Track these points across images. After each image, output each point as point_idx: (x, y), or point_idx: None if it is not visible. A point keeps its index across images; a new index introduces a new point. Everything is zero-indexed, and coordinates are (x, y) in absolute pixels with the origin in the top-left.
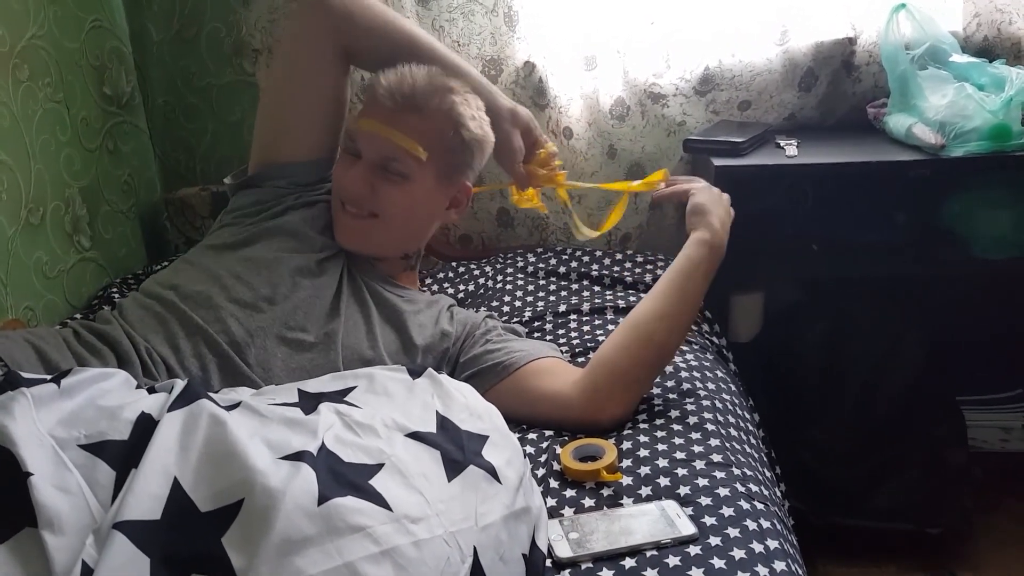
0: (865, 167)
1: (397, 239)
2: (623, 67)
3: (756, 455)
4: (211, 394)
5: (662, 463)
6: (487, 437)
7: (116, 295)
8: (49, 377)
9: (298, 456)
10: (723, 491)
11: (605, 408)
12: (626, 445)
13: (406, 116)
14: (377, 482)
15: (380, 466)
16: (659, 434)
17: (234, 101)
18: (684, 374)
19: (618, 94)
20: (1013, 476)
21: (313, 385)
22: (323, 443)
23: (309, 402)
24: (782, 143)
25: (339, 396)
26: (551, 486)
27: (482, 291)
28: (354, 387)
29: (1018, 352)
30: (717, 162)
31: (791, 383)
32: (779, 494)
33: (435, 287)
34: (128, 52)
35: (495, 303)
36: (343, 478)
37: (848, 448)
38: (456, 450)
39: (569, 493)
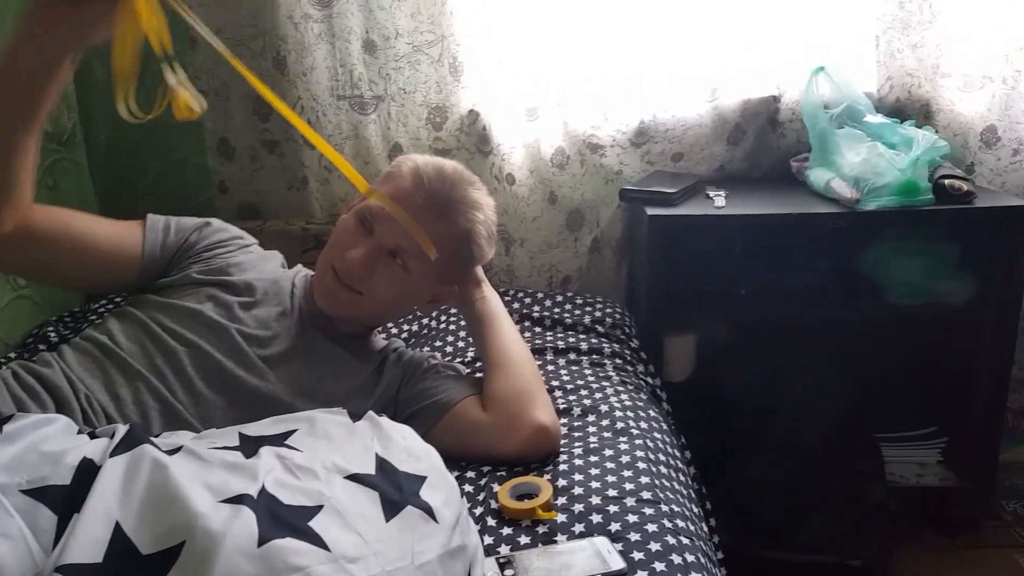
0: (788, 218)
1: (374, 317)
2: (563, 118)
3: (684, 491)
4: (152, 439)
5: (595, 500)
6: (425, 477)
7: (52, 333)
8: None
9: (239, 499)
10: (651, 527)
11: (518, 432)
12: (561, 483)
13: (433, 218)
14: (316, 523)
15: (319, 508)
16: (593, 471)
17: (178, 140)
18: (618, 413)
19: (558, 143)
20: (928, 509)
21: (254, 429)
22: (263, 486)
23: (250, 446)
24: (711, 194)
25: (279, 440)
26: (488, 524)
27: (425, 331)
28: (294, 430)
29: (932, 392)
30: (650, 211)
31: (724, 422)
32: (706, 529)
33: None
34: (71, 89)
35: (438, 343)
36: (282, 520)
37: (776, 484)
38: (394, 491)
39: (506, 531)
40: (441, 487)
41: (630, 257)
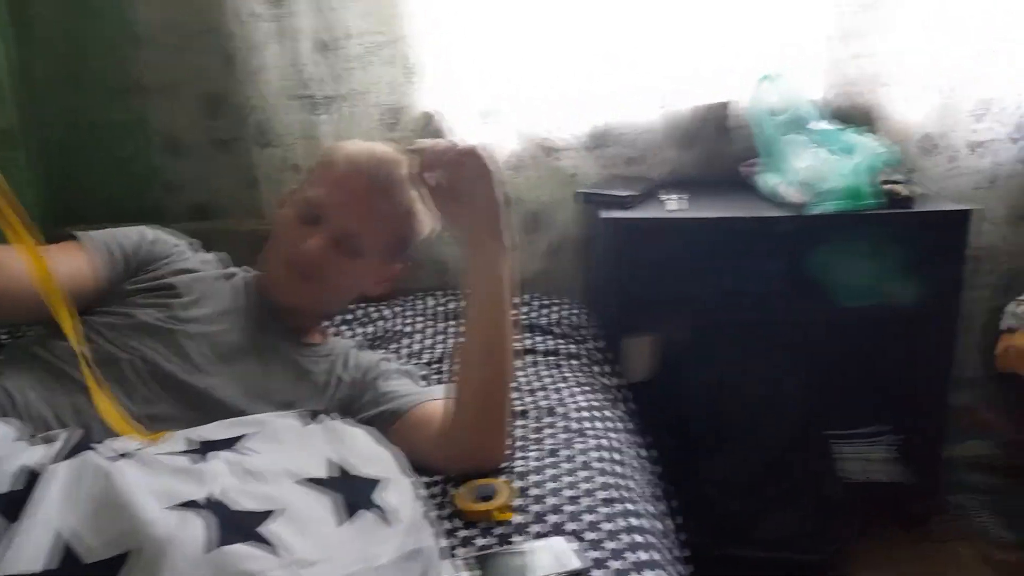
0: (739, 221)
1: (328, 304)
2: (518, 122)
3: (643, 490)
4: (96, 445)
5: (553, 501)
6: (378, 480)
7: (5, 337)
8: None
9: (187, 505)
10: (608, 525)
11: (468, 463)
12: (519, 484)
13: (377, 199)
14: (267, 528)
15: (270, 512)
16: (550, 472)
17: (124, 138)
18: (574, 415)
19: (513, 146)
20: (882, 505)
21: (203, 433)
22: (213, 492)
23: (198, 451)
24: (664, 198)
25: (229, 444)
26: (447, 526)
27: (382, 334)
28: (245, 434)
29: (883, 391)
30: (605, 214)
31: (685, 422)
32: (670, 526)
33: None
34: (10, 86)
35: (394, 345)
36: (232, 525)
37: (737, 482)
38: (349, 494)
39: (465, 533)
40: (396, 489)
41: (588, 259)
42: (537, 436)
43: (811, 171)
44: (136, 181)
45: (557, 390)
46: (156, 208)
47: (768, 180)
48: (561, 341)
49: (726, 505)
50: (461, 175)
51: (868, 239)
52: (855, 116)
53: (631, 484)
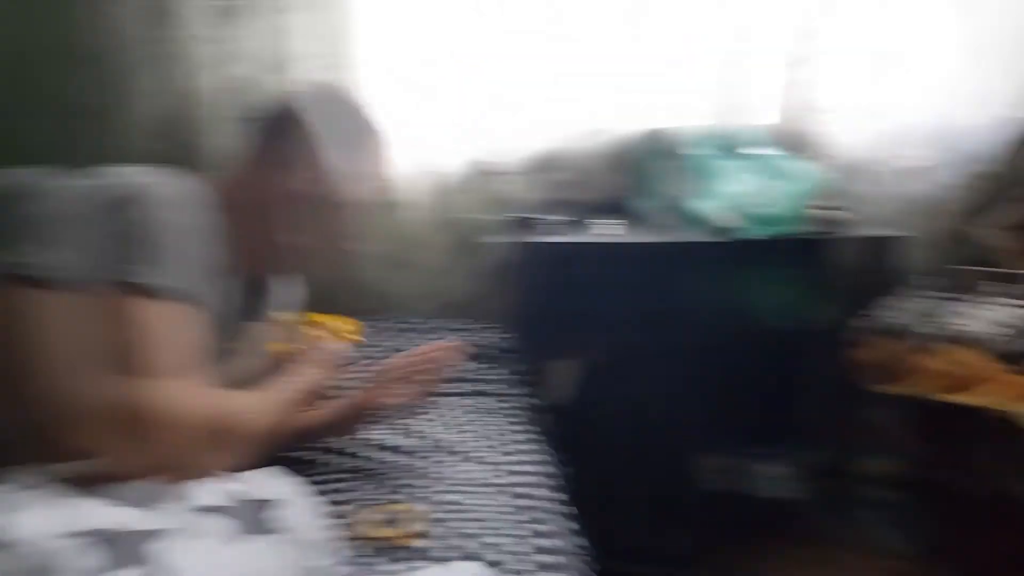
0: (668, 246)
1: None
2: (457, 143)
3: (555, 511)
4: None
5: (461, 524)
6: (273, 501)
7: None
8: None
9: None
10: (521, 547)
11: None
12: (423, 507)
13: None
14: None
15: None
16: (454, 496)
17: None
18: (480, 432)
19: (452, 168)
20: (781, 519)
21: None
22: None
23: None
24: (596, 221)
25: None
26: (353, 552)
27: None
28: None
29: (790, 407)
30: (536, 238)
31: (601, 445)
32: (578, 546)
33: None
34: None
35: None
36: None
37: (640, 500)
38: (245, 516)
39: (368, 559)
40: (294, 510)
41: (516, 282)
42: (443, 457)
43: (744, 196)
44: None
45: (471, 411)
46: None
47: (700, 205)
48: (484, 364)
49: (627, 523)
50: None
51: (796, 262)
52: (789, 141)
53: (545, 504)
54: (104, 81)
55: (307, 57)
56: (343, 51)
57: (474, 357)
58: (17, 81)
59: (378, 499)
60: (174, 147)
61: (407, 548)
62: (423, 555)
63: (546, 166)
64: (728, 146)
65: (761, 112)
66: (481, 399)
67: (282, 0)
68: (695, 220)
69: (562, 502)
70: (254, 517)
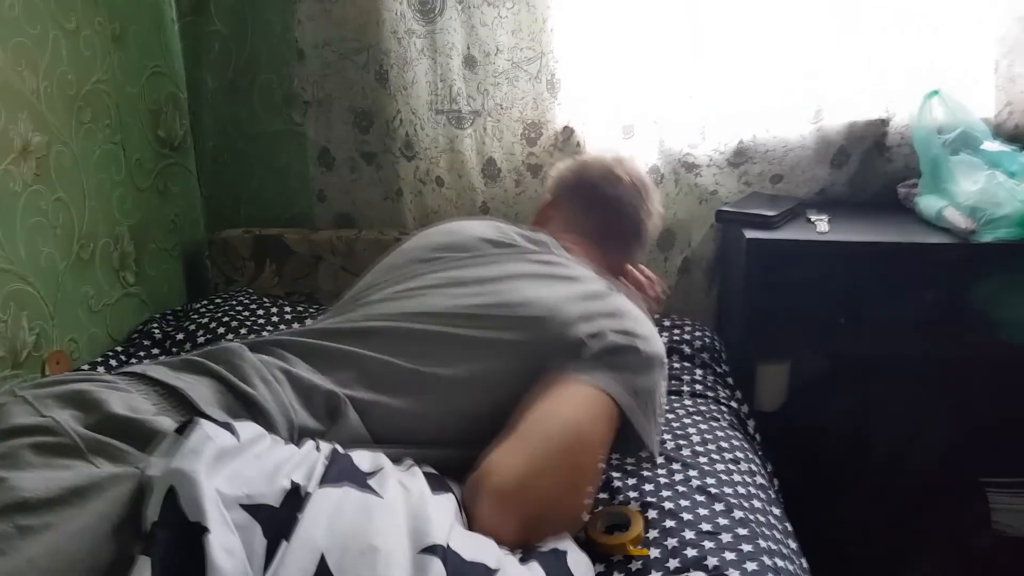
0: (896, 247)
1: None
2: (659, 136)
3: (780, 526)
4: (355, 461)
5: (688, 535)
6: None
7: (156, 329)
8: (229, 426)
9: (431, 550)
10: (751, 565)
11: None
12: (651, 514)
13: None
14: None
15: (497, 571)
16: (683, 503)
17: (281, 149)
18: (698, 444)
19: (653, 162)
20: None
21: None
22: (444, 538)
23: (438, 484)
24: (813, 218)
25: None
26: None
27: None
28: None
29: None
30: (749, 234)
31: (816, 455)
32: (804, 567)
33: None
34: (183, 98)
35: None
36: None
37: (873, 525)
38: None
39: (597, 568)
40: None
41: (722, 280)
42: (661, 463)
43: (983, 195)
44: (289, 190)
45: (680, 416)
46: (306, 216)
47: (931, 204)
48: (687, 363)
49: (858, 548)
50: None
51: None
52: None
53: (770, 519)
54: None
55: (511, 49)
56: (545, 43)
57: (687, 358)
58: None
59: (603, 504)
60: (380, 138)
61: (636, 557)
62: (653, 565)
63: (756, 158)
64: (966, 140)
65: (1001, 104)
66: (687, 399)
67: None
68: (925, 220)
69: (782, 517)
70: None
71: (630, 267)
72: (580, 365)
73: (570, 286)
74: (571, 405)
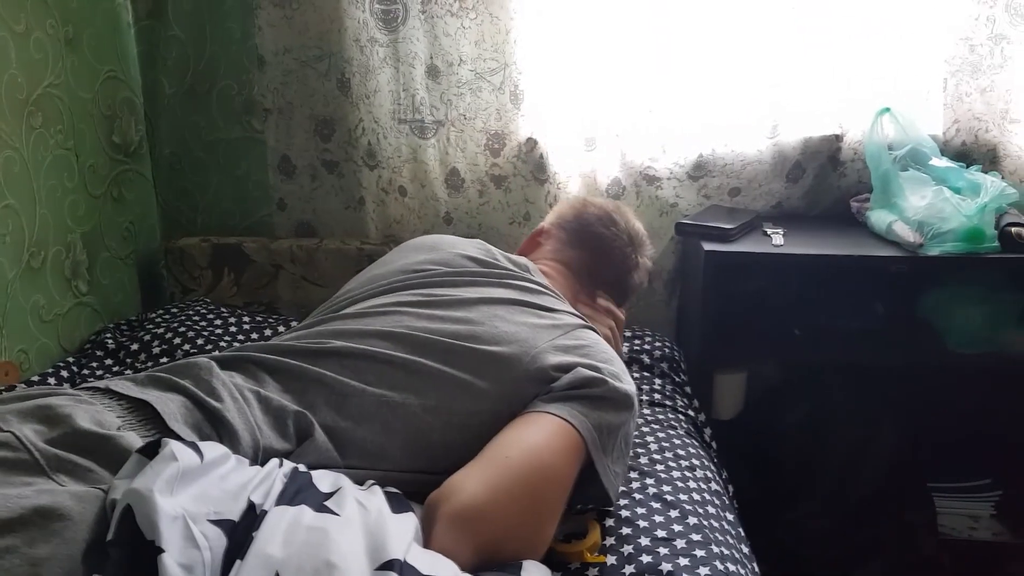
0: (848, 259)
1: None
2: (621, 149)
3: (733, 531)
4: (313, 480)
5: (644, 541)
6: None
7: (109, 340)
8: (194, 446)
9: (388, 565)
10: (704, 570)
11: None
12: (608, 522)
13: None
14: None
15: None
16: (639, 510)
17: (240, 156)
18: (653, 447)
19: (615, 174)
20: (980, 565)
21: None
22: (401, 554)
23: (398, 504)
24: (769, 231)
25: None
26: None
27: None
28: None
29: (988, 442)
30: (707, 246)
31: (771, 462)
32: (756, 571)
33: None
34: (139, 103)
35: None
36: None
37: (825, 530)
38: None
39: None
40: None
41: (681, 291)
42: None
43: (930, 210)
44: (248, 198)
45: (639, 425)
46: (265, 224)
47: (881, 218)
48: (647, 373)
49: (810, 553)
50: None
51: (986, 283)
52: (978, 154)
53: (724, 525)
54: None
55: (474, 60)
56: (508, 54)
57: (647, 368)
58: None
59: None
60: (341, 147)
61: (592, 564)
62: (609, 573)
63: (716, 171)
64: (915, 156)
65: (949, 121)
66: (658, 410)
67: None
68: (876, 234)
69: (735, 523)
70: None
71: (611, 306)
72: (548, 397)
73: (544, 317)
74: (535, 435)
